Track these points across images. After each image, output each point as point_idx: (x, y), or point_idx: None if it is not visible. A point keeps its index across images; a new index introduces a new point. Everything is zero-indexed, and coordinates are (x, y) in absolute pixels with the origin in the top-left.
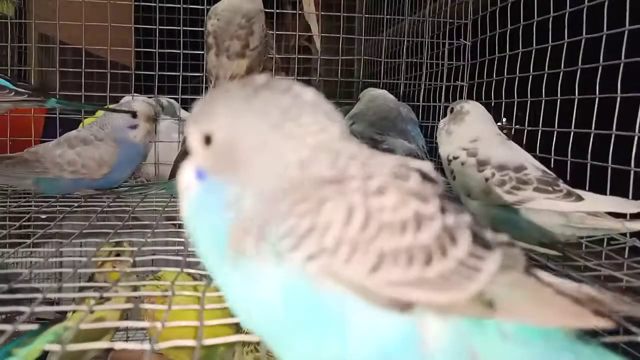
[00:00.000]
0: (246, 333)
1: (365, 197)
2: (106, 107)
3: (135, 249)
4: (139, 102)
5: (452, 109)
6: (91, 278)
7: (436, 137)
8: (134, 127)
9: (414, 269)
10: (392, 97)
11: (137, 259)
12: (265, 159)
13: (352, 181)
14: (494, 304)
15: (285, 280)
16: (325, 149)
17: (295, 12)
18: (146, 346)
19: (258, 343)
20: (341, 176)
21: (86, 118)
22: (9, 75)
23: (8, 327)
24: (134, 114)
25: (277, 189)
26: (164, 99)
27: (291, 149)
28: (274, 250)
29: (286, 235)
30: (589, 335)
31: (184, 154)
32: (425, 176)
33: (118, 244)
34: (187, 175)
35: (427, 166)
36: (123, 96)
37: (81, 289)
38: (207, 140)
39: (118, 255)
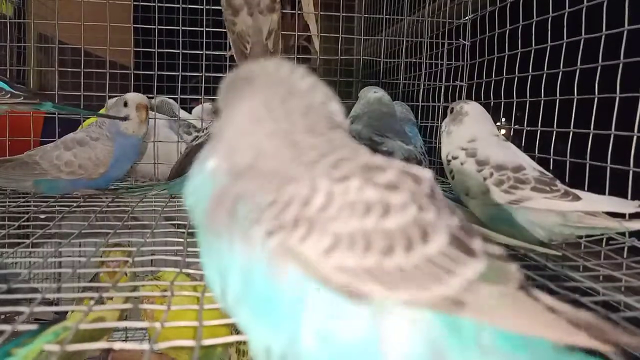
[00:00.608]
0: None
1: (331, 180)
2: (100, 113)
3: (134, 249)
4: (131, 94)
5: (452, 109)
6: (93, 279)
7: (439, 137)
8: (124, 118)
9: (371, 256)
10: (388, 97)
11: (137, 259)
12: (251, 131)
13: (320, 165)
14: (463, 303)
15: (249, 256)
16: (312, 147)
17: (294, 12)
18: (145, 346)
19: None
20: (311, 162)
21: (88, 118)
22: (7, 75)
23: (7, 328)
24: (125, 103)
25: (249, 167)
26: (158, 99)
27: (279, 126)
28: (241, 225)
29: (251, 210)
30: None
31: (189, 153)
32: (408, 175)
33: (118, 244)
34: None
35: (423, 171)
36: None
37: (81, 289)
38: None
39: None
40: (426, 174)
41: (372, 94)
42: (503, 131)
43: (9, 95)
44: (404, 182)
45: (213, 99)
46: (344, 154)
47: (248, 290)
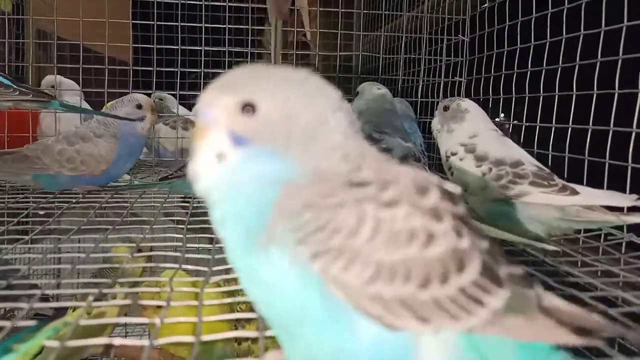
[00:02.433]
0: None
1: (378, 205)
2: (106, 112)
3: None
4: (139, 95)
5: (447, 107)
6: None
7: (434, 135)
8: (141, 119)
9: (409, 287)
10: (390, 94)
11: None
12: (318, 143)
13: (369, 187)
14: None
15: (294, 272)
16: (355, 150)
17: (293, 7)
18: (145, 342)
19: (255, 340)
20: (362, 181)
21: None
22: (5, 72)
23: (6, 324)
24: (138, 106)
25: (315, 176)
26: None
27: (336, 141)
28: (292, 238)
29: (300, 227)
30: None
31: None
32: (446, 193)
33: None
34: (220, 141)
35: (455, 187)
36: (121, 92)
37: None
38: (246, 108)
39: (140, 250)
40: (457, 189)
41: (376, 90)
42: (506, 126)
43: (17, 93)
44: (445, 206)
45: None
46: (388, 170)
47: (293, 306)
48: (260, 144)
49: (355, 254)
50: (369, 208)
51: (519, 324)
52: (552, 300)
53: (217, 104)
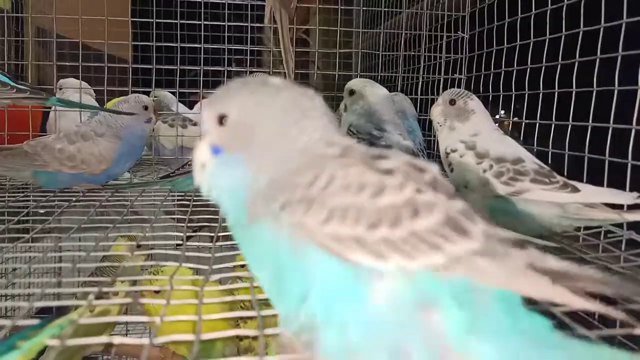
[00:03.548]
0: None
1: (336, 166)
2: (105, 108)
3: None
4: (144, 96)
5: (453, 101)
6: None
7: (434, 129)
8: (149, 120)
9: (359, 228)
10: (385, 91)
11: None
12: (281, 146)
13: (328, 156)
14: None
15: (274, 233)
16: (319, 152)
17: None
18: (145, 340)
19: (255, 337)
20: (323, 154)
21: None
22: (5, 69)
23: (7, 323)
24: (145, 107)
25: (284, 172)
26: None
27: (302, 140)
28: (272, 212)
29: (272, 194)
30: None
31: None
32: (413, 166)
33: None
34: (203, 152)
35: (430, 165)
36: (121, 90)
37: (82, 284)
38: (221, 120)
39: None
40: (432, 167)
41: (378, 90)
42: (506, 122)
43: (15, 90)
44: (405, 168)
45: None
46: (354, 149)
47: (275, 261)
48: (230, 151)
49: (313, 201)
50: (327, 167)
51: (492, 270)
52: (549, 262)
53: (204, 118)
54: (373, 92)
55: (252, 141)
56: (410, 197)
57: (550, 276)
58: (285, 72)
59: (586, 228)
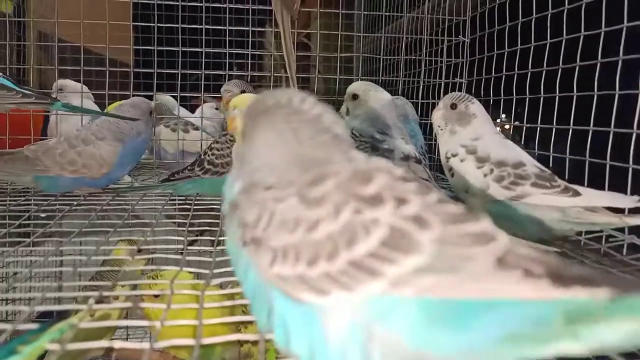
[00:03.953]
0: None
1: (274, 201)
2: (108, 112)
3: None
4: (149, 102)
5: (455, 105)
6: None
7: (435, 133)
8: (153, 125)
9: (300, 266)
10: (388, 95)
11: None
12: (256, 163)
13: (273, 189)
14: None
15: (247, 260)
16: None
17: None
18: (145, 345)
19: (255, 342)
20: (270, 185)
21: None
22: (7, 74)
23: (8, 327)
24: (151, 112)
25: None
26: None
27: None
28: (236, 232)
29: (238, 223)
30: None
31: None
32: (362, 176)
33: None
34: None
35: (380, 163)
36: (122, 94)
37: (83, 288)
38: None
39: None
40: (391, 166)
41: (381, 94)
42: (506, 126)
43: (20, 95)
44: (346, 185)
45: (213, 97)
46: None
47: (249, 283)
48: (236, 168)
49: (260, 242)
50: (269, 203)
51: (442, 283)
52: (523, 251)
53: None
54: (376, 97)
55: (242, 160)
56: (347, 221)
57: (526, 265)
58: (287, 76)
59: (587, 232)
